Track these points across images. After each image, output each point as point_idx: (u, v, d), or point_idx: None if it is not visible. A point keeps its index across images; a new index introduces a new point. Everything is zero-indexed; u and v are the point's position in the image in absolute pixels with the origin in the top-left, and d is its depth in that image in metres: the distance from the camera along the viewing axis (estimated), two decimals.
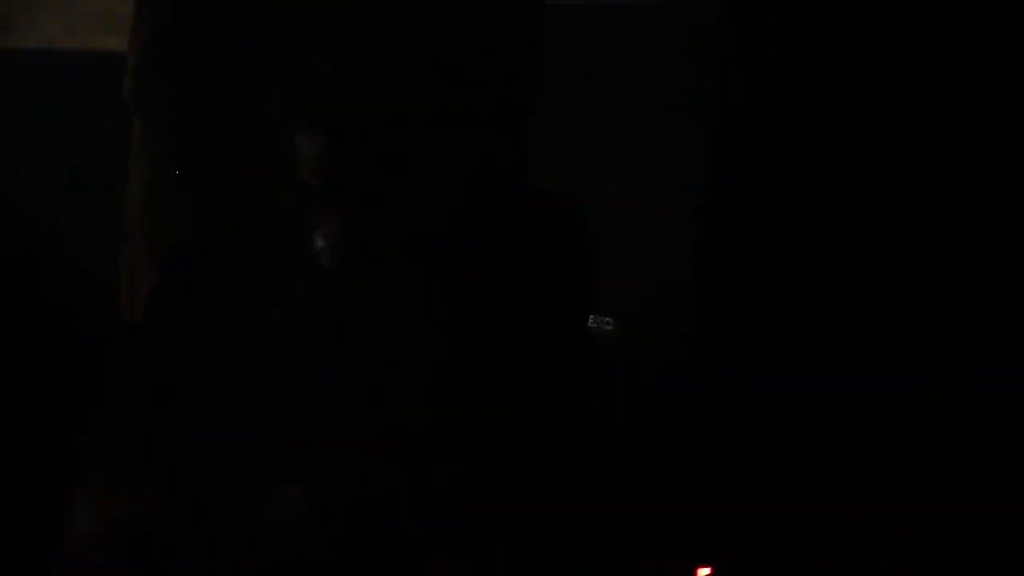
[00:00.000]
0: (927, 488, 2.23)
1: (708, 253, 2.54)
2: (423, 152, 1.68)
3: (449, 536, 1.63)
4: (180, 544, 1.77)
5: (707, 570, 1.65)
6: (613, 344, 2.40)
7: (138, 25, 2.68)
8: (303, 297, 1.84)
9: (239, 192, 2.62)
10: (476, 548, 1.62)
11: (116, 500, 1.77)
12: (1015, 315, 2.40)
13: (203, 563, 1.80)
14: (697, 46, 2.63)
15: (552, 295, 1.74)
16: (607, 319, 2.50)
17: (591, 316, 1.99)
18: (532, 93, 1.80)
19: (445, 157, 1.69)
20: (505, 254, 1.71)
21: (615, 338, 2.41)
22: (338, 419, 1.75)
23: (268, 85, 2.54)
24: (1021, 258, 2.43)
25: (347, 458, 1.72)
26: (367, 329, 1.73)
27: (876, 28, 2.51)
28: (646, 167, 2.63)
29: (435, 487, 1.67)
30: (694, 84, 2.64)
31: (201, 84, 2.63)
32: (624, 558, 1.67)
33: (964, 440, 2.31)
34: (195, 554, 1.78)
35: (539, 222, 1.74)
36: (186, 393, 2.57)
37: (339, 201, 1.69)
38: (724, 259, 2.53)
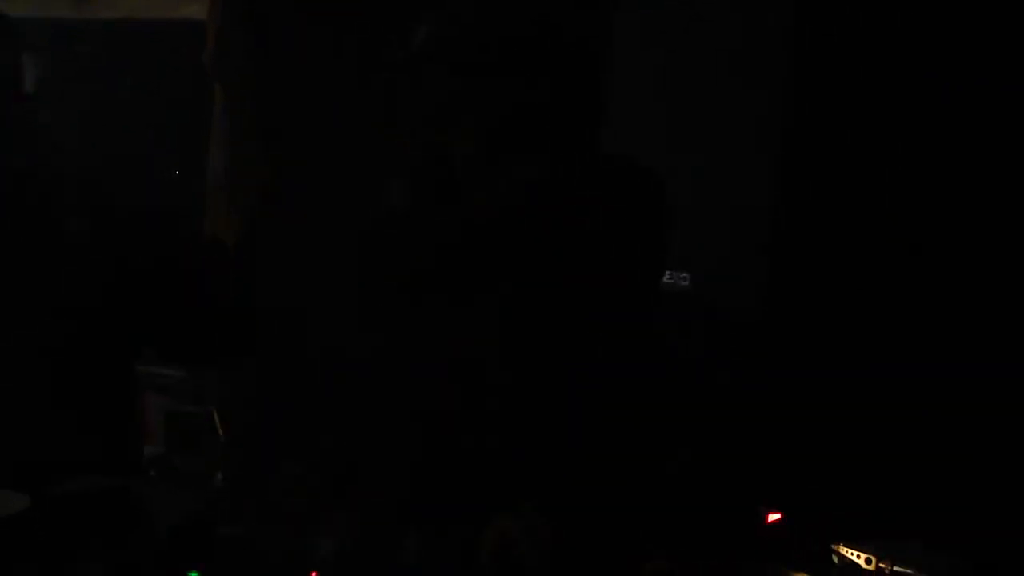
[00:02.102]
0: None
1: (784, 216, 2.54)
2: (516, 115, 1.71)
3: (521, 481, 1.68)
4: None
5: (777, 515, 1.68)
6: (689, 298, 2.44)
7: None
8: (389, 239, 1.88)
9: (314, 153, 2.68)
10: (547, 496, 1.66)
11: None
12: None
13: None
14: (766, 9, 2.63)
15: (629, 256, 1.77)
16: (683, 275, 2.53)
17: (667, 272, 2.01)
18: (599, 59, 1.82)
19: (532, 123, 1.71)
20: (587, 216, 1.74)
21: (691, 292, 2.44)
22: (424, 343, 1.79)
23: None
24: None
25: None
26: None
27: None
28: (723, 127, 2.63)
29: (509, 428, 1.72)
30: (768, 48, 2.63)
31: (278, 48, 2.69)
32: (695, 504, 1.71)
33: None
34: None
35: (620, 188, 1.78)
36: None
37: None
38: (799, 222, 2.54)
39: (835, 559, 1.52)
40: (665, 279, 2.43)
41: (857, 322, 2.32)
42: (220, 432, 2.90)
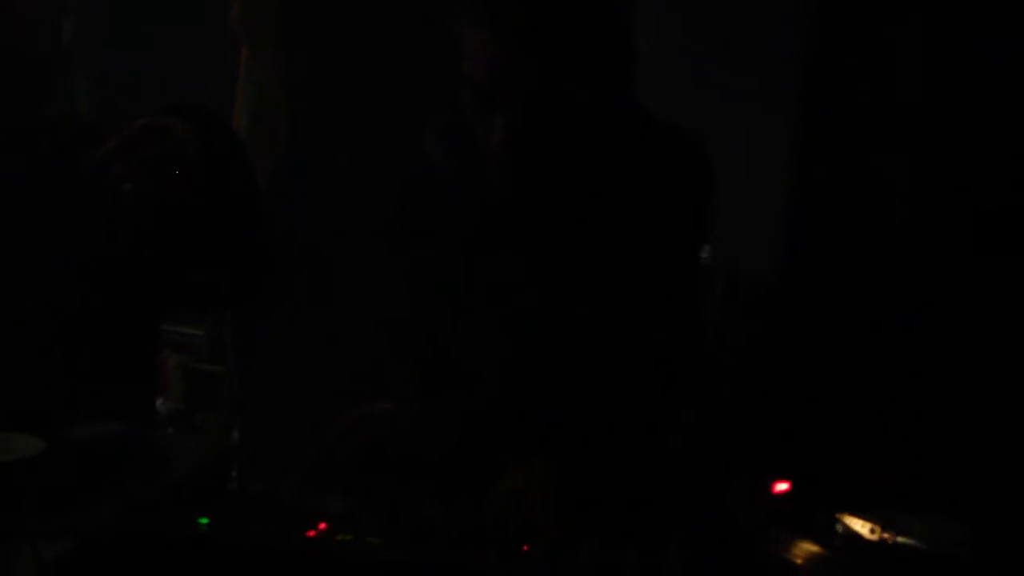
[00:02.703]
0: None
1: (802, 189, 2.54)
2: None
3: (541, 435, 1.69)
4: None
5: (785, 485, 1.69)
6: (708, 271, 2.44)
7: None
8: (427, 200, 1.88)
9: (342, 118, 2.69)
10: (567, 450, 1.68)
11: None
12: None
13: None
14: None
15: (674, 224, 1.77)
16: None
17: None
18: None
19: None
20: (633, 182, 1.74)
21: (709, 265, 2.45)
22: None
23: None
24: None
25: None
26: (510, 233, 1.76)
27: None
28: (740, 101, 2.63)
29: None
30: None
31: (306, 12, 2.70)
32: (709, 473, 1.72)
33: None
34: None
35: (666, 155, 1.77)
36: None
37: (505, 101, 1.67)
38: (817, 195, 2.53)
39: (839, 528, 1.53)
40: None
41: (873, 294, 2.32)
42: (238, 389, 2.94)
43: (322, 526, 1.49)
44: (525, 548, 1.48)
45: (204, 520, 1.46)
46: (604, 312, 1.76)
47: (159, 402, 2.90)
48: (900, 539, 1.48)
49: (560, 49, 1.65)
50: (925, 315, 2.31)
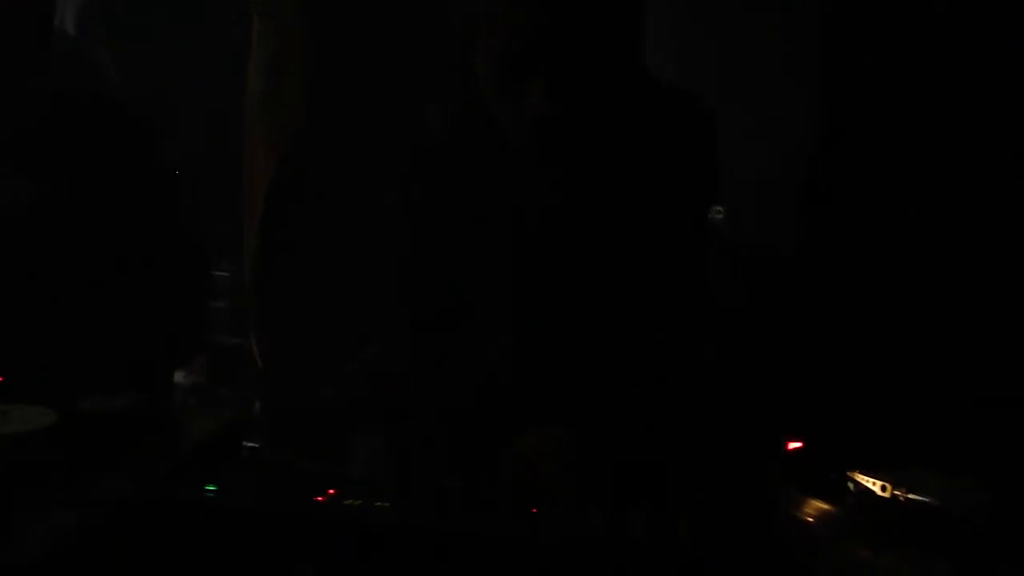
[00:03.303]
0: None
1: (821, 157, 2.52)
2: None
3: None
4: None
5: (798, 443, 1.68)
6: (721, 231, 2.42)
7: None
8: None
9: (352, 86, 2.69)
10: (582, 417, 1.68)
11: None
12: None
13: None
14: None
15: (679, 184, 1.76)
16: (717, 208, 2.51)
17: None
18: None
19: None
20: (636, 143, 1.74)
21: (723, 225, 2.43)
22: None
23: None
24: None
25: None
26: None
27: None
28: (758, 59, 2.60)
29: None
30: None
31: None
32: (717, 431, 1.71)
33: None
34: None
35: (669, 115, 1.77)
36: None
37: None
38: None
39: (851, 486, 1.52)
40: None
41: (888, 258, 2.30)
42: (258, 362, 2.94)
43: (331, 491, 1.50)
44: (534, 511, 1.48)
45: (211, 488, 1.47)
46: (615, 273, 1.76)
47: (181, 374, 2.92)
48: (912, 496, 1.47)
49: (585, 15, 1.66)
50: (940, 278, 2.29)
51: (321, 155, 2.73)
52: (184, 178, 3.01)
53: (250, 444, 2.22)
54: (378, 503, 1.45)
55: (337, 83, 2.72)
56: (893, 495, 1.48)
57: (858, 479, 1.51)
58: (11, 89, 1.90)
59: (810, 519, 1.51)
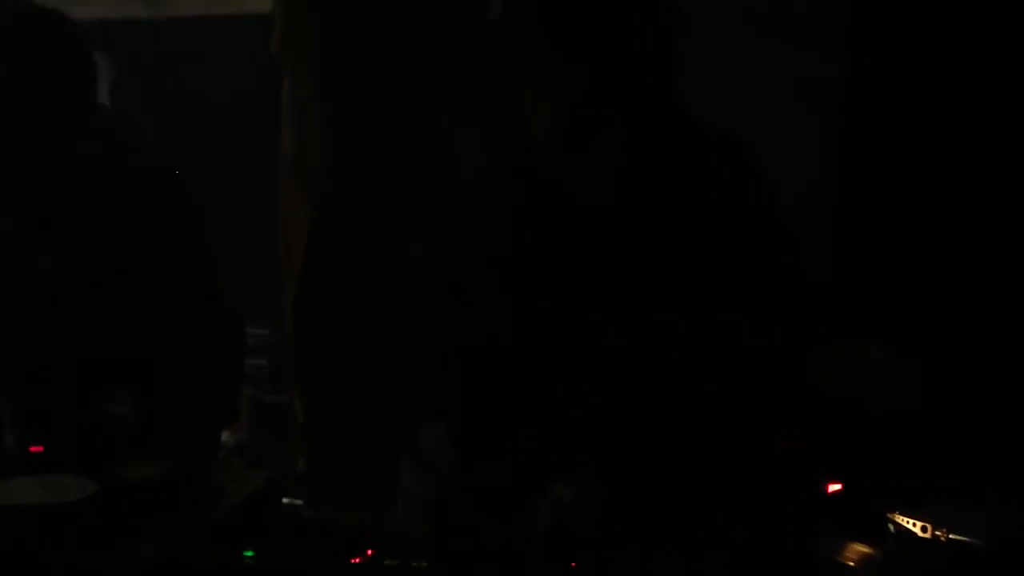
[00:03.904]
0: None
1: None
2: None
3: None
4: None
5: (838, 485, 1.67)
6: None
7: None
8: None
9: (383, 138, 2.71)
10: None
11: None
12: None
13: None
14: None
15: (735, 230, 1.74)
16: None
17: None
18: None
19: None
20: (694, 189, 1.72)
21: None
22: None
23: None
24: None
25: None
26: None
27: None
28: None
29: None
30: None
31: (343, 38, 2.72)
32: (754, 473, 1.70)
33: None
34: None
35: (711, 157, 1.75)
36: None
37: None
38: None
39: (891, 527, 1.50)
40: None
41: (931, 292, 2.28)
42: (300, 417, 2.96)
43: (369, 552, 1.50)
44: (573, 565, 1.48)
45: (249, 553, 1.48)
46: (651, 315, 1.75)
47: (225, 434, 2.94)
48: (954, 536, 1.45)
49: (606, 45, 1.66)
50: (963, 312, 2.27)
51: (356, 211, 2.75)
52: (219, 238, 3.06)
53: (293, 501, 2.23)
54: (414, 563, 1.45)
55: (370, 139, 2.74)
56: (934, 535, 1.46)
57: (898, 520, 1.50)
58: (50, 158, 1.93)
59: (851, 562, 1.49)
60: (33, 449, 1.77)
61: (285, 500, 1.95)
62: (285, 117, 2.83)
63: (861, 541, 1.51)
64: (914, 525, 1.48)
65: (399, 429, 2.09)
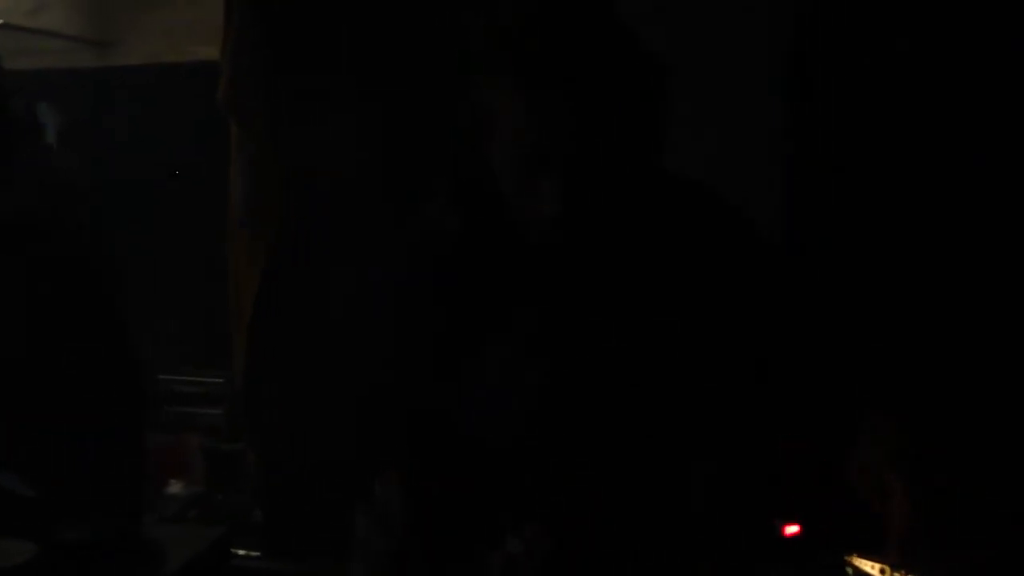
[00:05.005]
0: None
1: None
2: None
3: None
4: None
5: (795, 528, 1.65)
6: None
7: (228, 33, 2.76)
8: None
9: (333, 186, 2.68)
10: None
11: None
12: None
13: None
14: None
15: (711, 283, 1.71)
16: None
17: None
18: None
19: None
20: (657, 240, 1.70)
21: None
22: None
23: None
24: None
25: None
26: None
27: None
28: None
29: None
30: None
31: (290, 86, 2.70)
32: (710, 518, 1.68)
33: None
34: None
35: (691, 212, 1.73)
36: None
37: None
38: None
39: (849, 571, 1.48)
40: None
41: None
42: (255, 467, 2.91)
43: None
44: None
45: None
46: (634, 372, 1.72)
47: (178, 486, 2.89)
48: None
49: (607, 112, 1.64)
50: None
51: (306, 258, 2.72)
52: (171, 286, 3.02)
53: (249, 553, 2.18)
54: None
55: (319, 184, 2.72)
56: None
57: (856, 563, 1.48)
58: None
59: None
60: None
61: (240, 552, 1.90)
62: (233, 165, 2.81)
63: None
64: (872, 567, 1.46)
65: (354, 479, 2.06)
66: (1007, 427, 2.30)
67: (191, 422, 3.12)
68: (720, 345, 1.69)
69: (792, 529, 1.66)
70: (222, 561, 1.75)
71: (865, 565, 1.47)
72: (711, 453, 1.72)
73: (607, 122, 1.63)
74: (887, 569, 1.45)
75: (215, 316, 2.94)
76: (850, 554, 1.49)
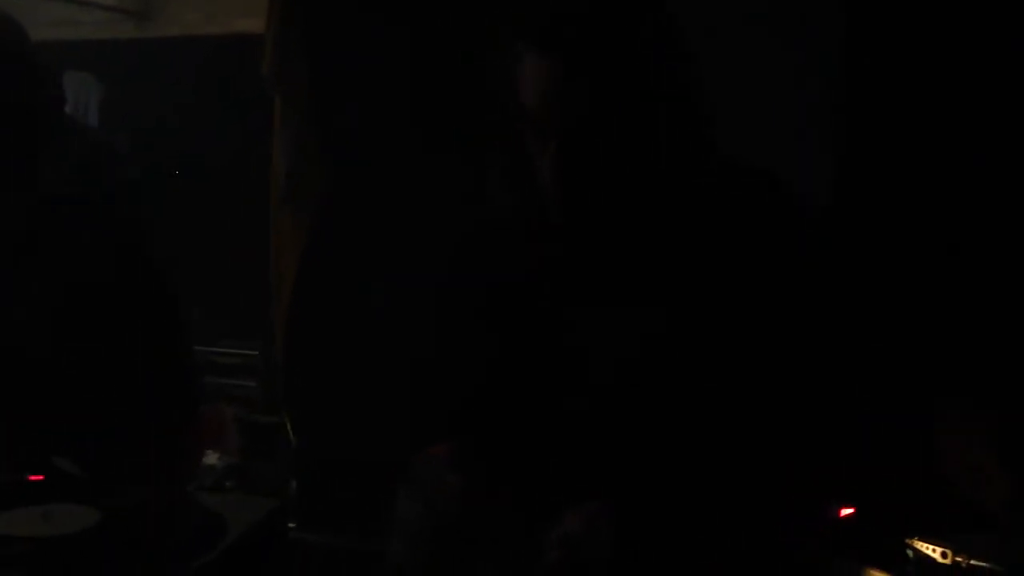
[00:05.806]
0: None
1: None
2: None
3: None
4: None
5: (850, 509, 1.65)
6: None
7: (274, 5, 2.76)
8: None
9: (377, 161, 2.69)
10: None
11: None
12: None
13: None
14: None
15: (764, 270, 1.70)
16: None
17: None
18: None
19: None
20: (711, 225, 1.68)
21: None
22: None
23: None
24: None
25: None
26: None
27: None
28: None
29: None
30: None
31: (337, 60, 2.70)
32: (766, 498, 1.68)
33: None
34: None
35: (745, 195, 1.71)
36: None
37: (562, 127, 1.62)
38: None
39: (910, 553, 1.49)
40: None
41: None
42: (292, 439, 2.93)
43: None
44: None
45: None
46: (669, 352, 1.71)
47: (214, 457, 2.91)
48: (975, 562, 1.43)
49: (614, 74, 1.61)
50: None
51: (349, 232, 2.72)
52: (210, 258, 3.02)
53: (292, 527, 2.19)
54: None
55: (363, 156, 2.72)
56: (955, 562, 1.45)
57: (917, 546, 1.48)
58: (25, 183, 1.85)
59: None
60: (32, 478, 1.73)
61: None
62: (277, 137, 2.81)
63: (879, 568, 1.49)
64: (934, 551, 1.46)
65: (395, 456, 2.06)
66: None
67: (227, 393, 3.14)
68: (787, 327, 1.68)
69: (846, 511, 1.66)
70: (280, 531, 1.76)
71: (926, 548, 1.48)
72: (774, 435, 1.72)
73: (615, 85, 1.61)
74: (949, 552, 1.45)
75: (253, 289, 2.95)
76: (912, 537, 1.50)
